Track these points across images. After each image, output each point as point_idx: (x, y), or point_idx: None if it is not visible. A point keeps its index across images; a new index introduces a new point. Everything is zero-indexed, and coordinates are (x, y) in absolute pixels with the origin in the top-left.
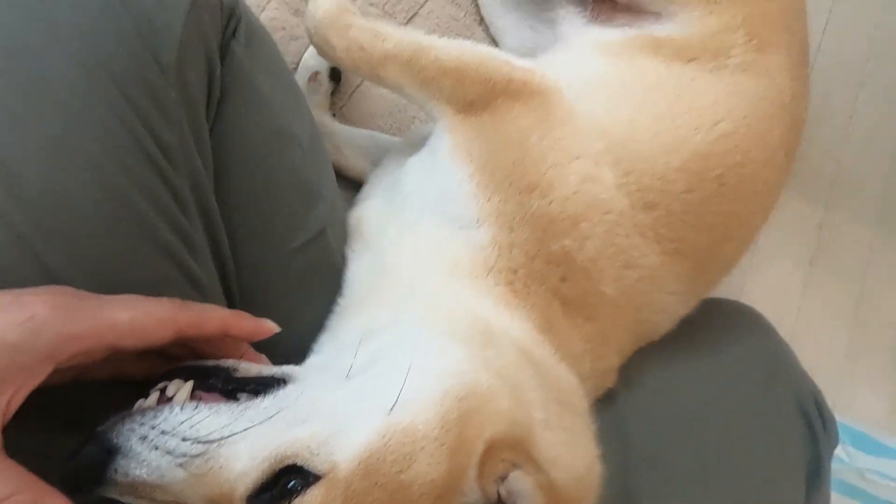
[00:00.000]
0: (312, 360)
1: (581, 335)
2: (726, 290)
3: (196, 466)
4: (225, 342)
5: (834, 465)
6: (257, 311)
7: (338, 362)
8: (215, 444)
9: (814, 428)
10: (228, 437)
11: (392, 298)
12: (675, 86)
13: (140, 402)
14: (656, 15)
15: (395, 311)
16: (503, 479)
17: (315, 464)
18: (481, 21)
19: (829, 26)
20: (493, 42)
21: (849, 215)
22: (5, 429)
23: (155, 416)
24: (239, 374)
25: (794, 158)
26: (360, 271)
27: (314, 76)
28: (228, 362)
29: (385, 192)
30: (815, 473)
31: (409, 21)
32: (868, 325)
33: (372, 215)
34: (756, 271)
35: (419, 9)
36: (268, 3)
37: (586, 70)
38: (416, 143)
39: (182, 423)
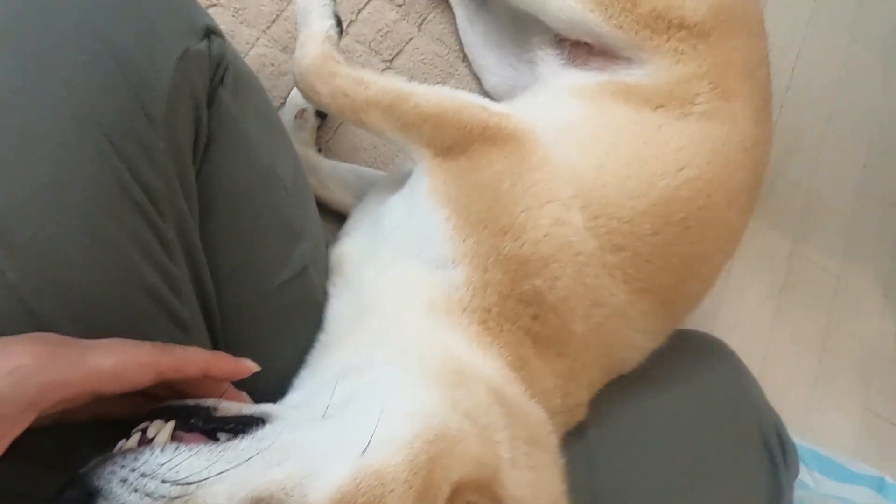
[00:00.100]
0: (292, 397)
1: (552, 371)
2: (700, 317)
3: None
4: (206, 381)
5: (799, 492)
6: (240, 346)
7: (316, 400)
8: (194, 486)
9: (775, 459)
10: (207, 479)
11: (370, 336)
12: (643, 132)
13: (121, 444)
14: (628, 60)
15: (373, 348)
16: None
17: None
18: (464, 58)
19: (799, 63)
20: (476, 78)
21: (817, 245)
22: None
23: (136, 459)
24: (219, 414)
25: (756, 200)
26: (340, 308)
27: (301, 113)
28: (209, 402)
29: (366, 230)
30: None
31: (394, 57)
32: (836, 351)
33: (353, 252)
34: (728, 299)
35: (405, 45)
36: (257, 40)
37: (561, 113)
38: (398, 179)
39: (162, 465)
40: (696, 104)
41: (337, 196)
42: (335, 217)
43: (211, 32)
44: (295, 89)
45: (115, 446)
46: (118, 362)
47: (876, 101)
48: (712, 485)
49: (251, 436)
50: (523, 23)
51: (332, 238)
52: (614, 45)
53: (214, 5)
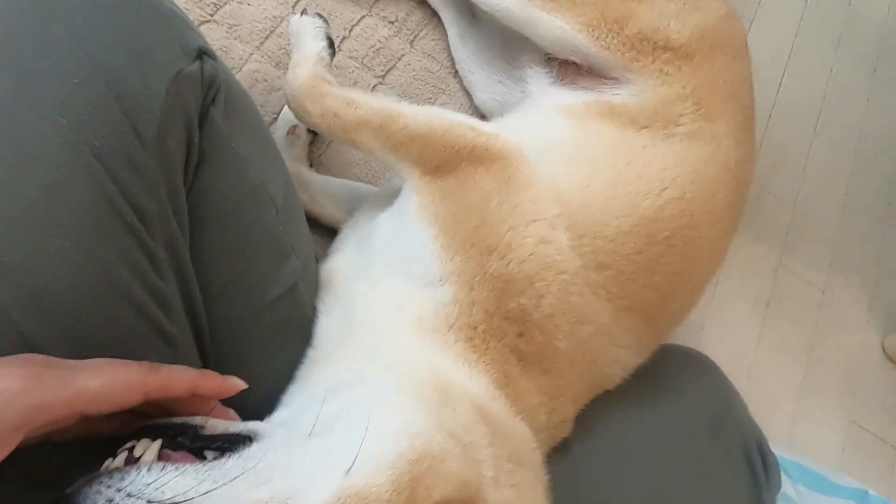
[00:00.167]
0: (280, 414)
1: (537, 388)
2: (686, 330)
3: None
4: (193, 398)
5: None
6: (230, 362)
7: (303, 417)
8: None
9: (756, 474)
10: (192, 499)
11: (358, 352)
12: (628, 152)
13: (108, 463)
14: (615, 80)
15: (361, 364)
16: None
17: None
18: (456, 74)
19: (785, 79)
20: (467, 94)
21: (803, 259)
22: None
23: (122, 479)
24: (206, 432)
25: (740, 218)
26: (329, 324)
27: (293, 129)
28: (196, 420)
29: (356, 247)
30: None
31: (387, 73)
32: (821, 364)
33: (342, 269)
34: (715, 313)
35: (397, 62)
36: (250, 55)
37: (548, 132)
38: (388, 195)
39: (148, 485)
40: (679, 125)
41: (328, 211)
42: (326, 231)
43: (203, 54)
44: (287, 106)
45: (101, 465)
46: (104, 384)
47: (861, 116)
48: (694, 500)
49: (238, 454)
50: (513, 41)
51: (322, 253)
52: (602, 65)
53: (208, 21)
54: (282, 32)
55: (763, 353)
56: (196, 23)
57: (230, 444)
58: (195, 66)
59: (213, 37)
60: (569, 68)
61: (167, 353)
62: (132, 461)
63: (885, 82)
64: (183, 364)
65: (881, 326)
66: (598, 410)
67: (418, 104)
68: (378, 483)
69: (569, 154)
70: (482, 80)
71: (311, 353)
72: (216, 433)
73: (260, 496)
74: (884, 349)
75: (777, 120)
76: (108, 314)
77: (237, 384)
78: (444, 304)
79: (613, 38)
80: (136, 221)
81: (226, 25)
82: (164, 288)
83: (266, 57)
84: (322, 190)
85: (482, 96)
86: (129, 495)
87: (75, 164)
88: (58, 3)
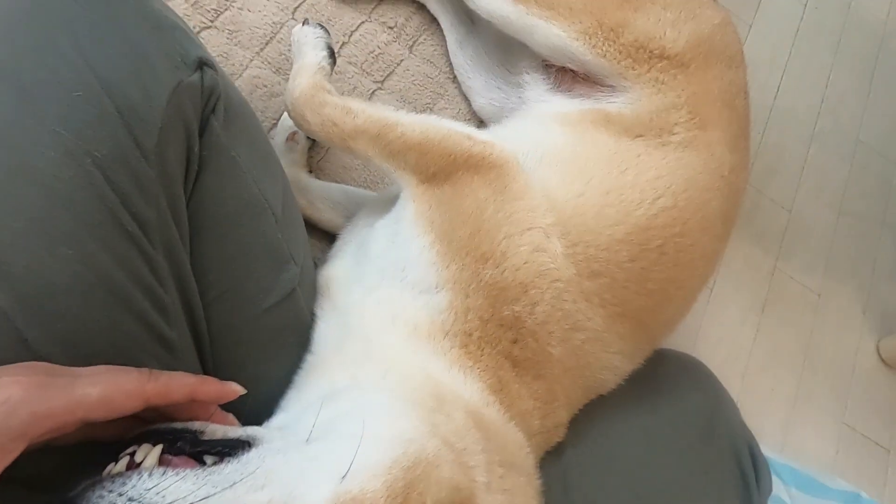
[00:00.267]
0: (278, 419)
1: (531, 393)
2: (682, 333)
3: None
4: (193, 403)
5: None
6: (229, 367)
7: (300, 422)
8: None
9: (747, 479)
10: (193, 503)
11: (354, 358)
12: (622, 161)
13: (110, 468)
14: (611, 88)
15: (357, 370)
16: None
17: None
18: (454, 80)
19: (784, 83)
20: (465, 99)
21: (799, 263)
22: None
23: (123, 483)
24: (205, 437)
25: (733, 225)
26: (327, 330)
27: (292, 135)
28: (196, 425)
29: (353, 253)
30: None
31: (386, 78)
32: (815, 368)
33: (340, 275)
34: (711, 316)
35: (396, 67)
36: (250, 61)
37: (543, 141)
38: (386, 201)
39: (149, 489)
40: (674, 133)
41: (326, 216)
42: (324, 236)
43: (203, 64)
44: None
45: (103, 469)
46: (105, 391)
47: (858, 120)
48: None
49: (237, 459)
50: (511, 47)
51: (320, 258)
52: (598, 72)
53: (209, 27)
54: (282, 38)
55: (758, 355)
56: (196, 29)
57: (229, 448)
58: (195, 76)
59: (214, 43)
60: (566, 75)
61: (167, 358)
62: (133, 466)
63: (883, 86)
64: (182, 369)
65: (876, 330)
66: (591, 415)
67: (417, 109)
68: (373, 489)
69: (564, 162)
70: (480, 85)
71: (310, 359)
72: (215, 438)
73: (258, 500)
74: (878, 353)
75: (774, 123)
76: (108, 321)
77: (236, 389)
78: (440, 310)
79: (610, 46)
80: (137, 229)
81: (226, 31)
82: (164, 295)
83: (266, 63)
84: (320, 195)
85: (480, 101)
86: (130, 500)
87: (77, 175)
88: (59, 16)
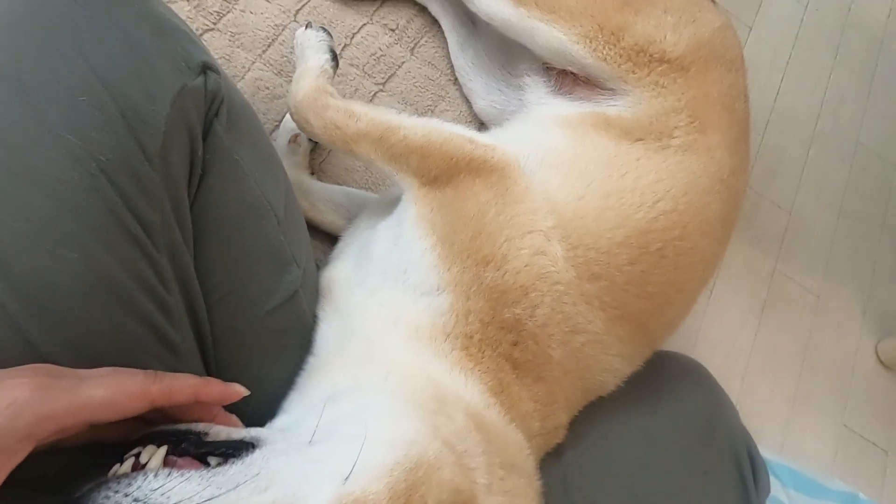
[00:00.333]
0: (280, 420)
1: (531, 395)
2: (682, 335)
3: None
4: (196, 405)
5: None
6: (231, 369)
7: (303, 424)
8: None
9: (745, 479)
10: None
11: (356, 360)
12: (622, 165)
13: (115, 469)
14: (612, 91)
15: (359, 372)
16: None
17: None
18: (455, 82)
19: (784, 85)
20: (466, 101)
21: (798, 265)
22: None
23: (129, 484)
24: (209, 439)
25: (732, 228)
26: (328, 332)
27: (294, 138)
28: (200, 426)
29: (355, 255)
30: None
31: (387, 80)
32: (814, 369)
33: (342, 277)
34: (711, 317)
35: (397, 69)
36: (253, 63)
37: (544, 144)
38: (387, 203)
39: (155, 490)
40: (674, 137)
41: (328, 218)
42: (326, 238)
43: (207, 68)
44: (288, 114)
45: (108, 470)
46: (110, 393)
47: (858, 122)
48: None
49: (240, 461)
50: (512, 50)
51: (322, 259)
52: (598, 75)
53: (211, 30)
54: (284, 41)
55: (758, 357)
56: (199, 31)
57: (233, 450)
58: (199, 81)
59: (216, 45)
60: (566, 78)
61: (171, 360)
62: (139, 467)
63: (882, 88)
64: (186, 371)
65: (875, 332)
66: (590, 417)
67: (418, 111)
68: (376, 490)
69: (564, 166)
70: (481, 87)
71: (312, 360)
72: (219, 439)
73: (262, 502)
74: (877, 354)
75: (775, 125)
76: (112, 322)
77: (239, 391)
78: (441, 313)
79: (610, 49)
80: (141, 233)
81: (228, 34)
82: (168, 297)
83: (268, 65)
84: (322, 197)
85: (481, 103)
86: (136, 500)
87: (82, 179)
88: (61, 19)
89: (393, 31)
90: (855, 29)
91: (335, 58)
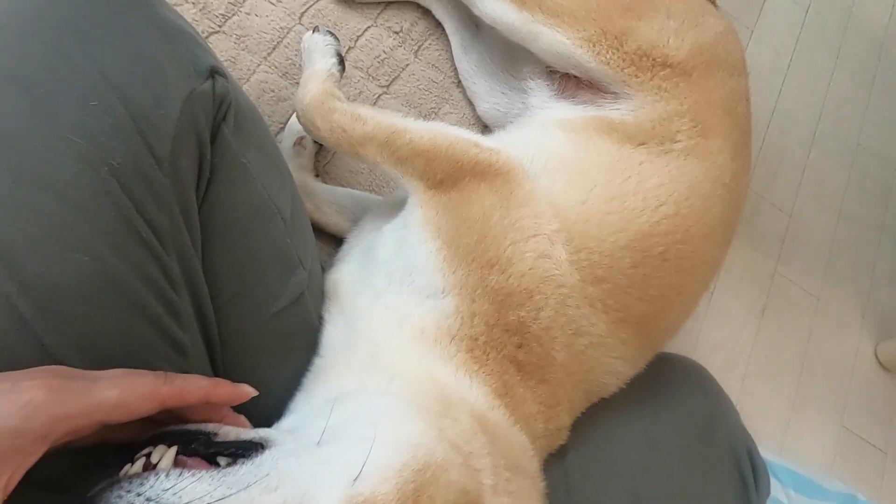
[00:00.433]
0: (287, 421)
1: (535, 397)
2: (683, 337)
3: None
4: (205, 405)
5: None
6: (239, 370)
7: (311, 425)
8: None
9: (746, 480)
10: None
11: (362, 362)
12: (625, 169)
13: (126, 468)
14: (614, 95)
15: (365, 374)
16: None
17: None
18: (459, 84)
19: (785, 88)
20: (470, 104)
21: (798, 267)
22: None
23: (141, 484)
24: (219, 439)
25: (734, 232)
26: (334, 334)
27: (300, 140)
28: (209, 427)
29: (360, 257)
30: None
31: (391, 83)
32: (814, 370)
33: (347, 279)
34: (711, 318)
35: (401, 72)
36: (258, 66)
37: (548, 147)
38: (392, 205)
39: (166, 490)
40: (676, 141)
41: (333, 220)
42: (331, 240)
43: (215, 73)
44: (293, 116)
45: (119, 470)
46: (122, 394)
47: (859, 125)
48: None
49: (250, 461)
50: (516, 53)
51: (327, 261)
52: (601, 79)
53: (217, 32)
54: (289, 43)
55: (758, 358)
56: (204, 34)
57: (242, 450)
58: (207, 85)
59: (222, 48)
60: (569, 81)
61: (179, 362)
62: (150, 467)
63: (883, 91)
64: (195, 372)
65: (874, 334)
66: (593, 418)
67: (422, 113)
68: (384, 491)
69: (568, 170)
70: (485, 90)
71: (318, 362)
72: (229, 440)
73: (272, 502)
74: (877, 356)
75: (776, 128)
76: (123, 325)
77: (248, 391)
78: (447, 315)
79: (613, 53)
80: (151, 236)
81: (234, 37)
82: (177, 299)
83: (273, 67)
84: (327, 199)
85: (484, 106)
86: (148, 500)
87: (93, 183)
88: (69, 24)
89: (397, 33)
90: (856, 31)
91: (342, 62)
